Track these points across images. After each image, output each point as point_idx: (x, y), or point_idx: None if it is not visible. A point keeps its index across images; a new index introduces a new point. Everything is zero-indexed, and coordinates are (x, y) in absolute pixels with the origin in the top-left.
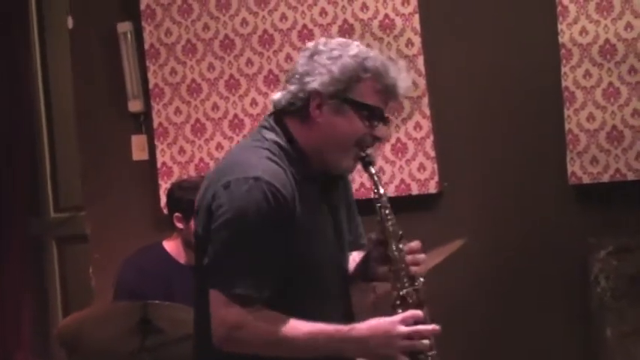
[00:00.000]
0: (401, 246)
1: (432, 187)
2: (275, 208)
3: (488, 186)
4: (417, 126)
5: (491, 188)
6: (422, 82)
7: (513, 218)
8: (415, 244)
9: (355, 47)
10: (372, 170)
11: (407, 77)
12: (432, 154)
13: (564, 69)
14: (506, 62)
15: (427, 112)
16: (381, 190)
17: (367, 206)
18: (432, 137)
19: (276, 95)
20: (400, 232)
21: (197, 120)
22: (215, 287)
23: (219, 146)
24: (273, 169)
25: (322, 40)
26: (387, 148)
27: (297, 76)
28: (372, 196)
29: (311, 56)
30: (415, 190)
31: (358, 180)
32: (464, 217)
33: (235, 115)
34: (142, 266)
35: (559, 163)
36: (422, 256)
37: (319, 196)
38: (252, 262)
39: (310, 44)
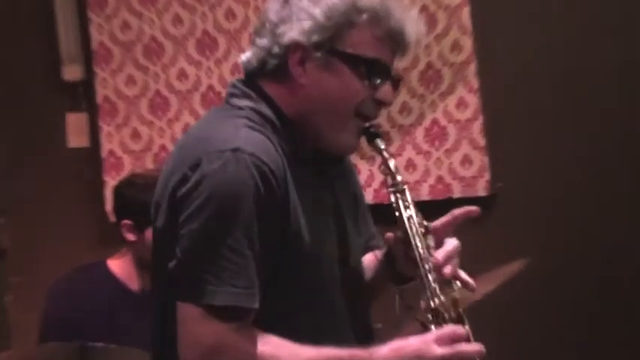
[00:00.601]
0: (430, 243)
1: (481, 189)
2: (263, 189)
3: (556, 187)
4: (461, 103)
5: (559, 190)
6: (467, 43)
7: (589, 229)
8: (449, 245)
9: None
10: (380, 145)
11: (417, 18)
12: (482, 142)
13: None
14: (589, 24)
15: (475, 83)
16: (394, 170)
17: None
18: (481, 119)
19: (245, 55)
20: (425, 224)
21: (157, 93)
22: (185, 299)
23: (187, 129)
24: (256, 138)
25: None
26: (418, 133)
27: (268, 26)
28: (386, 181)
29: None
30: (457, 193)
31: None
32: (524, 229)
33: (210, 87)
34: (78, 293)
35: None
36: (454, 259)
37: (316, 182)
38: (235, 262)
39: None
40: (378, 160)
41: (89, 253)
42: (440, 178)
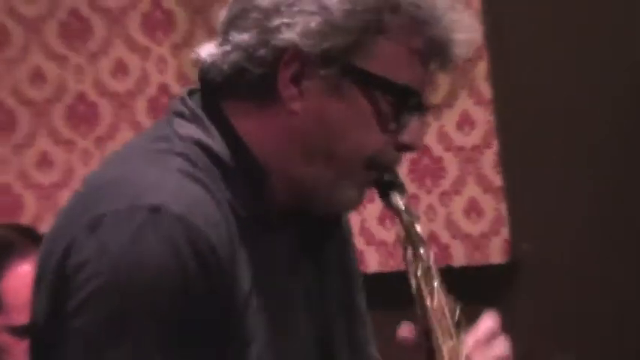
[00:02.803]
0: (463, 336)
1: (497, 253)
2: (195, 276)
3: (606, 245)
4: (465, 121)
5: (610, 251)
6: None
7: None
8: (487, 325)
9: None
10: (401, 205)
11: (470, 20)
12: (497, 181)
13: None
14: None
15: (486, 92)
16: (419, 240)
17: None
18: (495, 146)
19: (205, 52)
20: (457, 310)
21: (80, 96)
22: None
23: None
24: (191, 191)
25: None
26: (399, 166)
27: (254, 13)
28: (405, 254)
29: None
30: (460, 259)
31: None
32: (558, 312)
33: (162, 87)
34: None
35: None
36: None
37: (288, 258)
38: None
39: None
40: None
41: None
42: (433, 236)
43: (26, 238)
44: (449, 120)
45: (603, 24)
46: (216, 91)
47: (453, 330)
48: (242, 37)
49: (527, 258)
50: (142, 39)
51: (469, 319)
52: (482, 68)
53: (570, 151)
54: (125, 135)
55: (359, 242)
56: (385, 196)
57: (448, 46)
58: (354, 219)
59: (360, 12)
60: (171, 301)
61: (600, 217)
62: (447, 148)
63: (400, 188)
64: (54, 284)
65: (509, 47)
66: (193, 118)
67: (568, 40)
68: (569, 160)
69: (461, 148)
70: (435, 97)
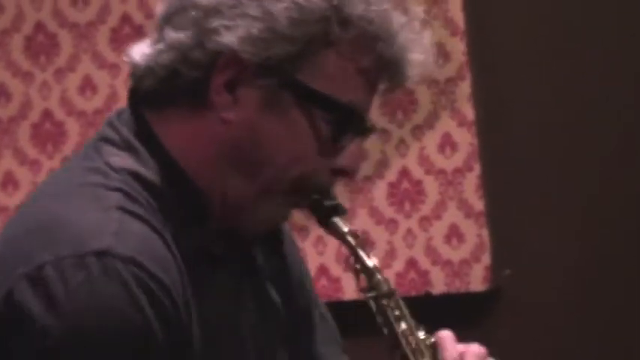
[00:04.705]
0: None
1: (478, 281)
2: (154, 320)
3: (593, 274)
4: (447, 143)
5: (598, 280)
6: (457, 48)
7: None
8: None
9: None
10: (342, 226)
11: (427, 41)
12: (479, 205)
13: None
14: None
15: (469, 112)
16: (369, 263)
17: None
18: (477, 169)
19: (137, 52)
20: (429, 339)
21: (46, 114)
22: None
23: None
24: (136, 229)
25: None
26: (378, 190)
27: (191, 11)
28: (357, 281)
29: None
30: (439, 286)
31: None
32: (539, 340)
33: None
34: None
35: None
36: None
37: (234, 286)
38: None
39: None
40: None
41: None
42: (412, 262)
43: None
44: (430, 142)
45: (591, 45)
46: (145, 100)
47: (426, 351)
48: (177, 36)
49: (508, 285)
50: (109, 53)
51: None
52: (464, 88)
53: (555, 175)
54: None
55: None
56: (325, 220)
57: (400, 66)
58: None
59: (307, 22)
60: (133, 351)
61: (584, 244)
62: (428, 171)
63: (340, 211)
64: None
65: (492, 67)
66: (124, 145)
67: (554, 61)
68: (553, 186)
69: (442, 172)
70: (417, 117)
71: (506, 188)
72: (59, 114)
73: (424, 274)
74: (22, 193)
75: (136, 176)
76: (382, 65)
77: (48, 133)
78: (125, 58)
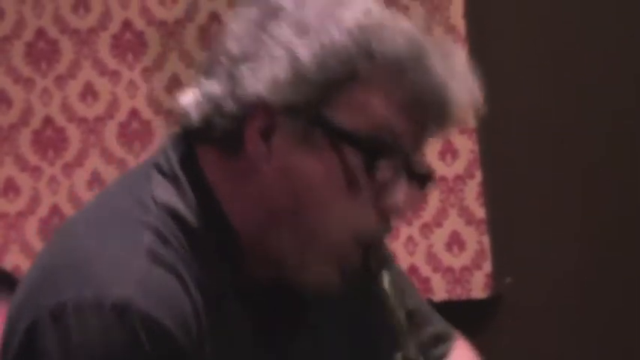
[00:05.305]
0: None
1: (479, 288)
2: None
3: (593, 281)
4: (447, 150)
5: (598, 287)
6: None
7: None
8: None
9: (358, 6)
10: (389, 288)
11: (468, 75)
12: (480, 213)
13: None
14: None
15: (470, 120)
16: (404, 325)
17: None
18: (478, 176)
19: (185, 99)
20: None
21: (47, 120)
22: None
23: (94, 177)
24: (159, 282)
25: None
26: None
27: (224, 60)
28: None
29: (259, 21)
30: (440, 293)
31: None
32: (542, 346)
33: (133, 112)
34: None
35: None
36: None
37: (259, 331)
38: None
39: None
40: None
41: None
42: (413, 269)
43: None
44: (430, 149)
45: (590, 51)
46: (191, 137)
47: None
48: (212, 87)
49: (509, 293)
50: (110, 61)
51: None
52: None
53: (557, 182)
54: (94, 162)
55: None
56: (370, 279)
57: (441, 102)
58: None
59: (333, 62)
60: None
61: (586, 252)
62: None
63: (386, 265)
64: None
65: (493, 74)
66: (171, 178)
67: (555, 68)
68: (554, 193)
69: (443, 179)
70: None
71: (508, 195)
72: (60, 120)
73: (425, 281)
74: (23, 199)
75: (174, 214)
76: (417, 100)
77: (49, 139)
78: (174, 105)
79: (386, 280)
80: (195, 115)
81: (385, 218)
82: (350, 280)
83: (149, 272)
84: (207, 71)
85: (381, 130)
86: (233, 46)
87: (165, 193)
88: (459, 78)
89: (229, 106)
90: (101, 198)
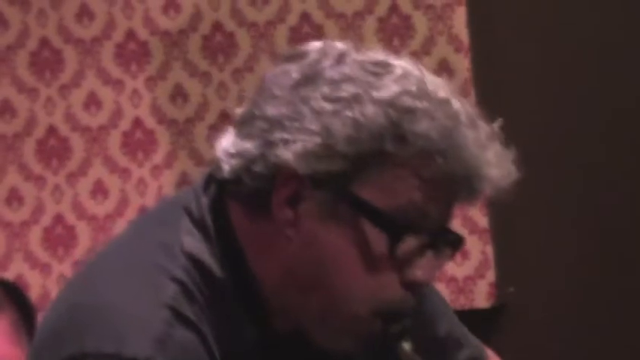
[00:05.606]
0: None
1: (482, 297)
2: None
3: (595, 291)
4: None
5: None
6: (461, 65)
7: None
8: None
9: (394, 77)
10: (407, 350)
11: (501, 148)
12: (483, 222)
13: None
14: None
15: None
16: None
17: None
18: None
19: (224, 142)
20: None
21: (51, 130)
22: None
23: (98, 188)
24: (178, 340)
25: (335, 49)
26: None
27: (258, 119)
28: None
29: (297, 85)
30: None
31: None
32: (543, 354)
33: (137, 121)
34: None
35: None
36: None
37: None
38: None
39: (311, 50)
40: None
41: None
42: None
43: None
44: None
45: (595, 58)
46: (224, 187)
47: None
48: (245, 145)
49: (513, 302)
50: (114, 69)
51: None
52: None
53: (559, 192)
54: (98, 171)
55: None
56: (393, 347)
57: (473, 179)
58: None
59: (363, 139)
60: None
61: (589, 261)
62: None
63: (406, 336)
64: None
65: (496, 84)
66: (199, 221)
67: (558, 77)
68: (558, 202)
69: None
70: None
71: (511, 205)
72: (64, 130)
73: None
74: (26, 208)
75: (200, 265)
76: (448, 180)
77: (53, 149)
78: (215, 153)
79: (407, 348)
80: (226, 167)
81: (410, 290)
82: (370, 348)
83: (170, 330)
84: (243, 126)
85: (408, 208)
86: (270, 109)
87: (192, 241)
88: (491, 155)
89: (259, 168)
90: (128, 237)
